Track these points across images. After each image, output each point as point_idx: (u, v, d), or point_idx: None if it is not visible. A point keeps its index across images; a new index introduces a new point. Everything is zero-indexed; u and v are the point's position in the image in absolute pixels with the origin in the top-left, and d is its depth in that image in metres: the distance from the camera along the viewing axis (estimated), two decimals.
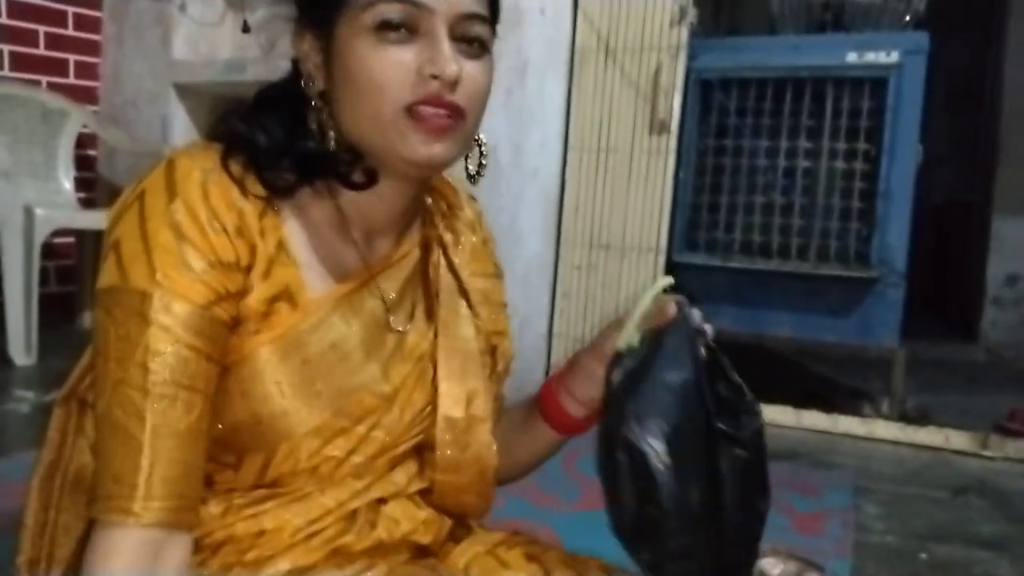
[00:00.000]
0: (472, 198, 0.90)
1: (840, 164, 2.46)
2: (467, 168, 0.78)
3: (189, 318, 0.63)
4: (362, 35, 0.66)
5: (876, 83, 2.41)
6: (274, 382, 0.68)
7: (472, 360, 0.79)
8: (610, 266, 2.59)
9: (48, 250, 2.77)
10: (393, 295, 0.77)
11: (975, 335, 4.20)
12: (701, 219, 2.62)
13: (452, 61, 0.65)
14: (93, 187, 3.29)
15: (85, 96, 3.23)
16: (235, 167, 0.68)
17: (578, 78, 2.63)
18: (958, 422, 2.39)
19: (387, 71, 0.66)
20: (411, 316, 0.79)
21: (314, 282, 0.72)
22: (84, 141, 3.14)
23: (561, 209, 2.68)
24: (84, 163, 3.21)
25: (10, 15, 3.02)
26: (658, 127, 2.50)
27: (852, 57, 2.44)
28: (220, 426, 0.68)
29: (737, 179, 2.57)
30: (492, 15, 0.72)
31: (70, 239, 3.10)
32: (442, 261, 0.81)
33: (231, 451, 0.70)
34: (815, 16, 2.72)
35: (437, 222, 0.82)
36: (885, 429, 2.35)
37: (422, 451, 0.78)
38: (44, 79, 3.12)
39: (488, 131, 2.41)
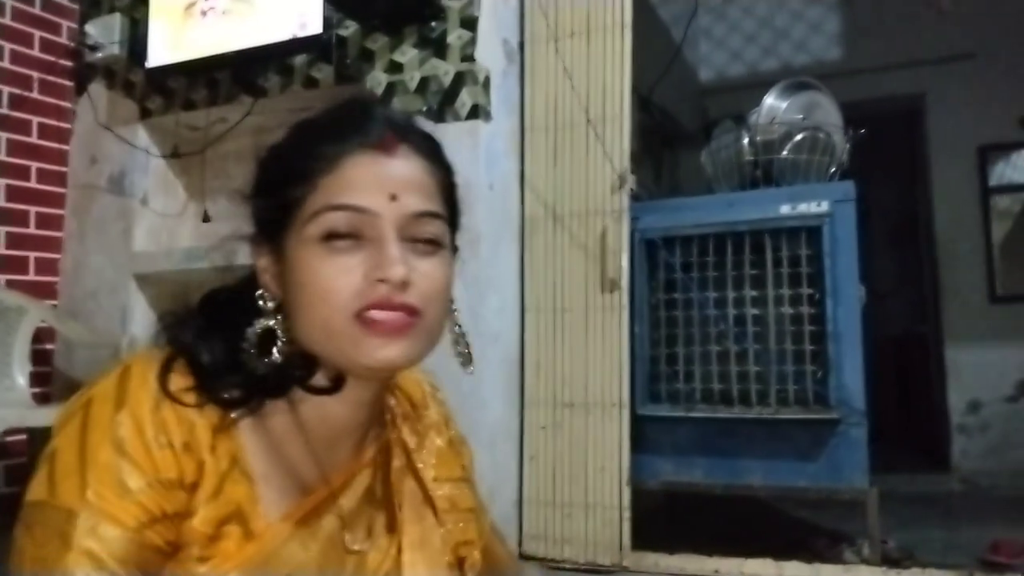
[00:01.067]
0: (436, 389, 0.88)
1: (787, 309, 2.54)
2: (459, 361, 0.77)
3: (116, 543, 0.59)
4: (310, 245, 0.66)
5: (811, 231, 2.54)
6: None
7: (440, 573, 0.76)
8: (576, 424, 2.58)
9: None
10: (351, 508, 0.73)
11: (947, 465, 4.19)
12: (660, 371, 2.66)
13: (399, 263, 0.64)
14: (49, 381, 3.24)
15: (45, 291, 3.26)
16: (184, 378, 0.65)
17: (529, 244, 2.73)
18: (941, 560, 2.34)
19: (335, 279, 0.65)
20: (370, 531, 0.75)
21: (270, 498, 0.68)
22: (41, 336, 3.13)
23: (523, 371, 2.70)
24: (41, 358, 3.18)
25: None
26: (609, 285, 2.58)
27: (785, 209, 2.58)
28: None
29: (691, 330, 2.64)
30: (450, 210, 0.72)
31: (22, 436, 3.02)
32: (405, 467, 0.78)
33: None
34: (747, 173, 2.90)
35: (400, 424, 0.80)
36: (868, 574, 2.28)
37: None
38: (3, 277, 3.15)
39: None
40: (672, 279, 2.68)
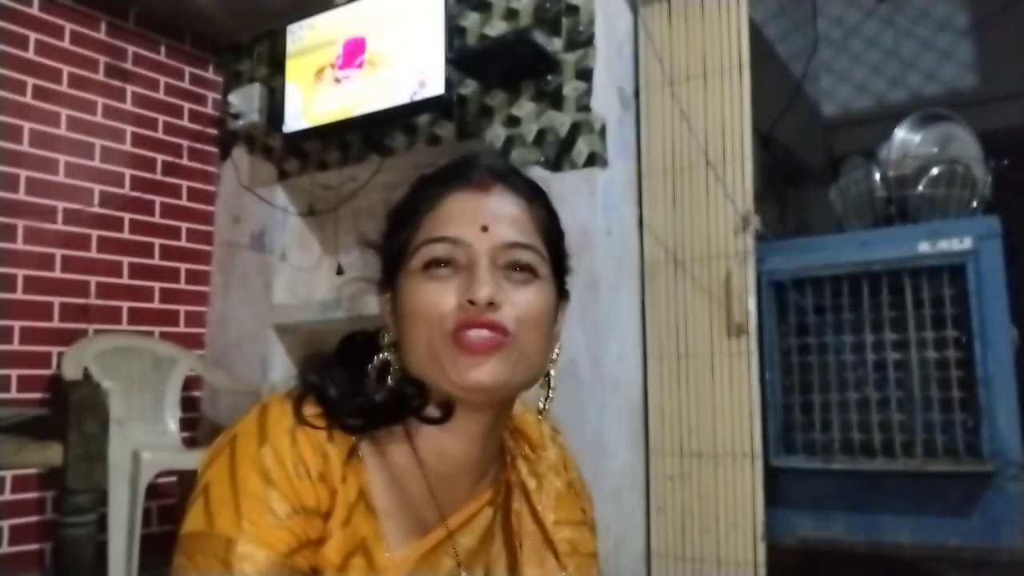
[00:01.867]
0: (556, 432, 0.88)
1: (931, 353, 2.39)
2: (539, 404, 0.79)
3: (271, 567, 0.63)
4: (415, 276, 0.72)
5: (954, 270, 2.40)
6: None
7: None
8: (704, 475, 2.50)
9: (151, 490, 2.88)
10: (470, 548, 0.75)
11: None
12: (795, 420, 2.55)
13: (486, 285, 0.69)
14: (196, 427, 3.46)
15: (193, 342, 3.50)
16: (313, 408, 0.71)
17: (650, 289, 2.70)
18: None
19: (432, 301, 0.70)
20: (489, 571, 0.77)
21: (391, 534, 0.71)
22: (190, 384, 3.36)
23: (647, 419, 2.65)
24: (189, 404, 3.40)
25: (131, 275, 3.38)
26: (735, 330, 2.51)
27: (925, 247, 2.45)
28: None
29: (826, 376, 2.52)
30: (550, 250, 0.76)
31: (172, 479, 3.22)
32: (525, 509, 0.79)
33: None
34: (880, 210, 2.77)
35: (519, 466, 0.81)
36: None
37: None
38: (157, 329, 3.41)
39: (568, 346, 2.45)
40: (804, 323, 2.58)
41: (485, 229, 0.71)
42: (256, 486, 0.65)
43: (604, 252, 2.62)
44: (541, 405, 0.79)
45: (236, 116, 3.60)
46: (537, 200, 0.78)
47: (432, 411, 0.73)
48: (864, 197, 2.83)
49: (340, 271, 3.43)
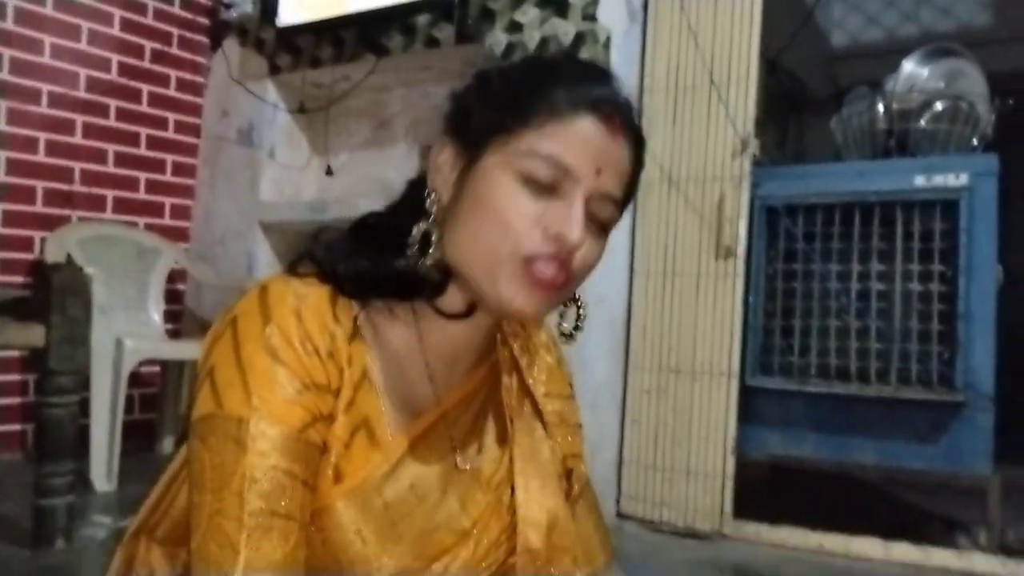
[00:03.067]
0: (548, 338, 0.90)
1: (916, 286, 2.40)
2: (561, 326, 0.79)
3: (286, 442, 0.63)
4: (508, 173, 0.67)
5: (947, 205, 2.38)
6: (354, 530, 0.68)
7: (551, 482, 0.78)
8: (680, 390, 2.53)
9: (134, 378, 2.90)
10: (464, 426, 0.77)
11: None
12: (774, 343, 2.57)
13: (580, 226, 0.67)
14: (180, 319, 3.47)
15: (178, 235, 3.47)
16: (325, 291, 0.69)
17: (643, 207, 2.69)
18: None
19: (518, 215, 0.66)
20: (481, 445, 0.78)
21: (391, 414, 0.72)
22: (174, 277, 3.34)
23: (628, 334, 2.67)
24: (173, 297, 3.40)
25: (116, 164, 3.32)
26: (724, 252, 2.51)
27: (920, 181, 2.43)
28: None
29: (809, 303, 2.53)
30: (625, 198, 0.73)
31: (155, 368, 3.24)
32: (515, 383, 0.81)
33: None
34: (880, 142, 2.74)
35: (511, 343, 0.82)
36: (984, 562, 2.15)
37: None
38: (142, 220, 3.37)
39: None
40: (793, 249, 2.57)
41: (599, 172, 0.68)
42: (264, 364, 0.64)
43: None
44: (566, 328, 0.79)
45: (229, 6, 3.49)
46: (642, 151, 0.75)
47: (454, 304, 0.72)
48: (865, 128, 2.79)
49: (329, 172, 3.38)
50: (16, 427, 3.01)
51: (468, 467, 0.76)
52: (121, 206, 3.33)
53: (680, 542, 2.39)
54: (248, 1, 3.44)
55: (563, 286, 0.69)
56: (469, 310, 0.72)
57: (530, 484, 0.77)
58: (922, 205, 2.42)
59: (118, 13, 3.33)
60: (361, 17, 3.03)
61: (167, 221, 3.47)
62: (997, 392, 2.26)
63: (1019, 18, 4.13)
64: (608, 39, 2.60)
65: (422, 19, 2.98)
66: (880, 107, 2.75)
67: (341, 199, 3.21)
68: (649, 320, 2.62)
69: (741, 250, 2.50)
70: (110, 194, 3.30)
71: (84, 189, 3.22)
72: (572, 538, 0.78)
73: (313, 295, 0.68)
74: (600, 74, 0.72)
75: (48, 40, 3.11)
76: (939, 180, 2.42)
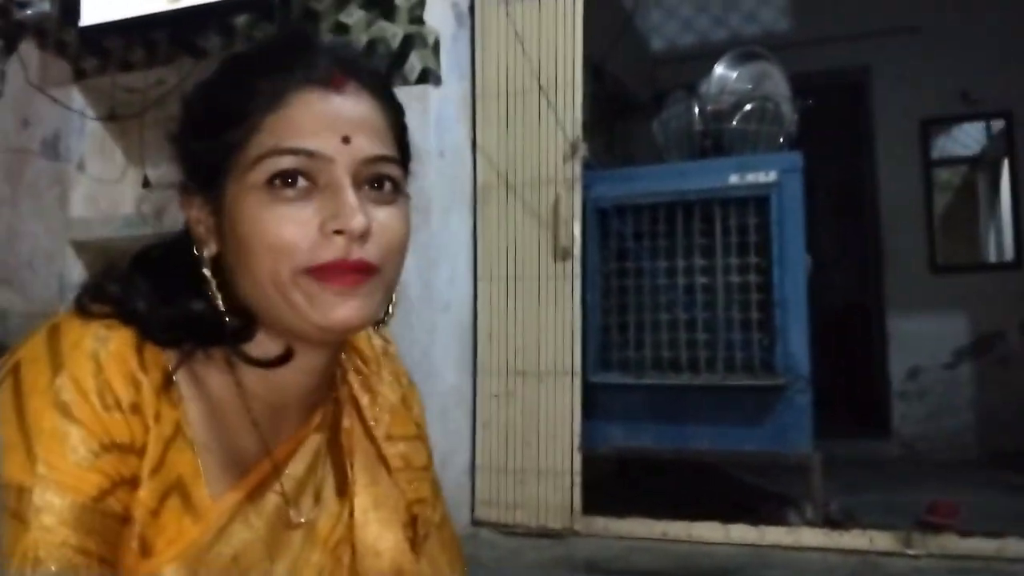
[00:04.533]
0: (388, 343, 0.82)
1: (735, 278, 2.57)
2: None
3: (78, 514, 0.54)
4: (253, 193, 0.59)
5: (759, 201, 2.57)
6: None
7: (389, 542, 0.72)
8: (528, 392, 2.58)
9: None
10: (298, 477, 0.69)
11: (888, 431, 4.33)
12: (612, 339, 2.68)
13: (359, 212, 0.58)
14: None
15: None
16: (129, 334, 0.59)
17: (481, 212, 2.71)
18: (882, 522, 2.41)
19: (285, 229, 0.58)
20: (319, 497, 0.70)
21: (212, 472, 0.63)
22: None
23: (475, 339, 2.69)
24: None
25: None
26: (561, 254, 2.58)
27: (734, 178, 2.61)
28: None
29: (641, 299, 2.66)
30: (402, 154, 0.65)
31: None
32: (356, 425, 0.73)
33: None
34: (697, 143, 2.91)
35: (351, 380, 0.75)
36: (811, 536, 2.35)
37: None
38: None
39: None
40: (624, 248, 2.69)
41: (347, 140, 0.60)
42: (53, 423, 0.55)
43: (436, 174, 2.58)
44: (382, 317, 0.67)
45: (22, 5, 3.17)
46: (390, 97, 0.66)
47: (270, 350, 0.64)
48: (684, 130, 2.96)
49: (147, 183, 3.15)
50: None
51: (303, 520, 0.68)
52: None
53: (534, 543, 2.43)
54: (45, 0, 3.14)
55: (375, 276, 0.60)
56: (286, 355, 0.64)
57: (375, 537, 0.71)
58: (737, 201, 2.60)
59: None
60: (173, 16, 2.85)
61: None
62: (813, 373, 2.46)
63: (814, 22, 4.52)
64: (437, 42, 2.59)
65: (241, 19, 2.85)
66: (696, 109, 2.92)
67: (162, 212, 3.01)
68: (495, 325, 2.65)
69: (577, 251, 2.58)
70: None
71: None
72: None
73: (116, 339, 0.59)
74: (300, 39, 0.65)
75: None
76: (751, 177, 2.60)
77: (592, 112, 2.72)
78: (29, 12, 3.16)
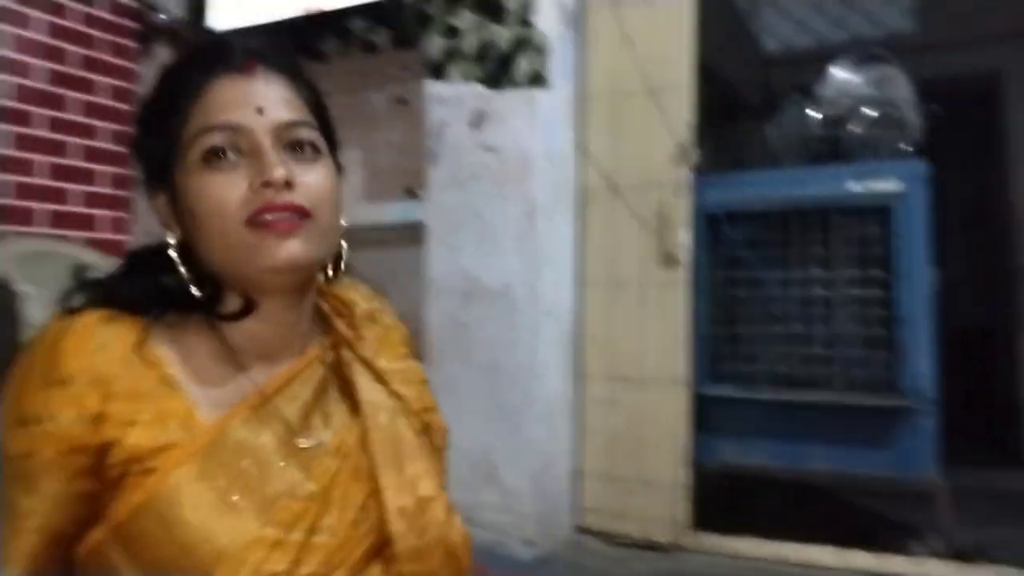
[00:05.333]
0: (371, 292, 0.91)
1: (855, 291, 2.45)
2: (324, 271, 0.80)
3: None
4: (194, 171, 0.70)
5: (881, 211, 2.44)
6: (192, 507, 0.66)
7: (406, 444, 0.78)
8: (634, 400, 2.54)
9: None
10: (304, 401, 0.76)
11: (1021, 461, 4.04)
12: (723, 351, 2.60)
13: (278, 165, 0.69)
14: None
15: (116, 249, 3.30)
16: (97, 314, 0.70)
17: (587, 216, 2.68)
18: (1013, 558, 2.24)
19: (222, 193, 0.69)
20: (327, 421, 0.77)
21: (206, 406, 0.71)
22: None
23: (580, 345, 2.66)
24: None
25: (48, 176, 3.17)
26: (669, 260, 2.52)
27: (854, 186, 2.49)
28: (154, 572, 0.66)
29: (754, 309, 2.57)
30: (321, 123, 0.77)
31: None
32: (353, 357, 0.81)
33: None
34: (813, 148, 2.79)
35: (337, 324, 0.83)
36: (937, 568, 2.21)
37: (383, 550, 0.74)
38: (78, 234, 3.23)
39: (501, 272, 2.44)
40: (735, 256, 2.60)
41: (260, 111, 0.71)
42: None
43: (542, 177, 2.57)
44: (329, 275, 0.81)
45: (155, 8, 3.37)
46: (301, 77, 0.78)
47: (231, 304, 0.74)
48: (799, 134, 2.85)
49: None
50: None
51: (311, 444, 0.75)
52: (59, 220, 3.18)
53: (639, 554, 2.39)
54: (178, 5, 3.32)
55: (304, 216, 0.70)
56: (247, 306, 0.73)
57: (384, 450, 0.77)
58: (857, 210, 2.48)
59: (44, 18, 3.18)
60: (296, 22, 2.95)
61: (104, 234, 3.33)
62: (938, 396, 2.31)
63: (941, 24, 4.27)
64: (546, 46, 2.58)
65: (358, 24, 2.92)
66: (813, 113, 2.81)
67: None
68: (600, 330, 2.62)
69: (685, 258, 2.52)
70: (42, 207, 3.15)
71: (16, 202, 3.06)
72: (438, 486, 0.79)
73: (79, 319, 0.70)
74: (221, 41, 0.77)
75: None
76: (872, 185, 2.47)
77: (702, 115, 2.64)
78: (163, 17, 3.35)
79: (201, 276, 0.73)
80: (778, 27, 4.74)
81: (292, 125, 0.72)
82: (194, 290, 0.72)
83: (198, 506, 0.66)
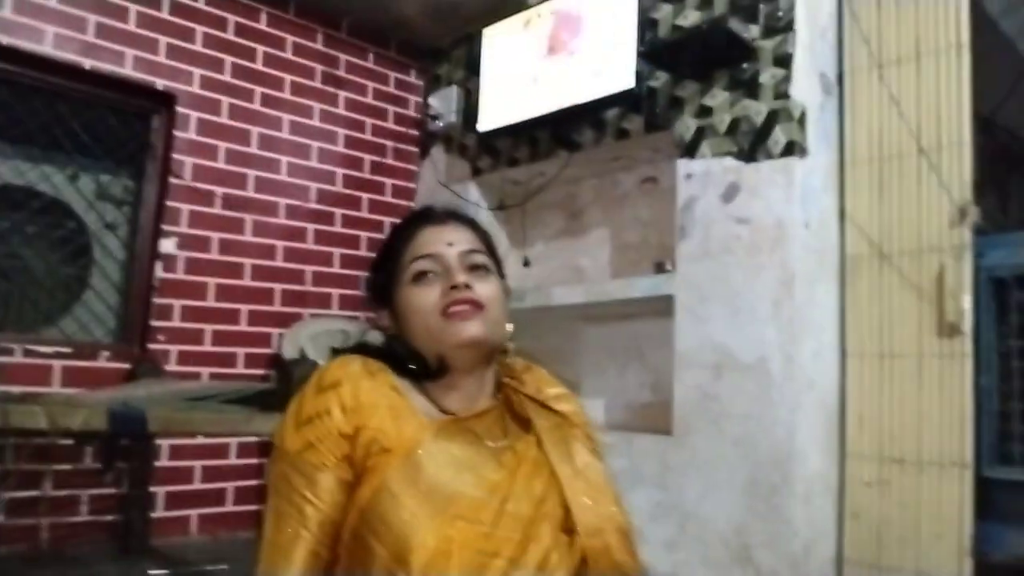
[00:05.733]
0: (528, 363, 1.14)
1: None
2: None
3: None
4: (408, 287, 1.02)
5: None
6: (435, 466, 0.90)
7: (573, 444, 1.02)
8: (906, 482, 2.33)
9: None
10: (487, 428, 1.00)
11: None
12: (1013, 429, 2.30)
13: (460, 272, 1.00)
14: None
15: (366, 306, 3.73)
16: (365, 362, 0.99)
17: (851, 285, 2.56)
18: None
19: (426, 297, 1.00)
20: (506, 436, 1.01)
21: (423, 416, 0.97)
22: None
23: (843, 421, 2.51)
24: None
25: (341, 265, 3.68)
26: (948, 330, 2.32)
27: None
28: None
29: None
30: (488, 250, 1.07)
31: None
32: (524, 399, 1.05)
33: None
34: None
35: (506, 382, 1.08)
36: None
37: (569, 526, 0.93)
38: (363, 315, 3.69)
39: (758, 342, 2.42)
40: None
41: (451, 244, 1.03)
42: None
43: (801, 245, 2.51)
44: (501, 343, 1.05)
45: (435, 117, 3.82)
46: (478, 226, 1.10)
47: (431, 369, 1.01)
48: None
49: (527, 263, 3.53)
50: (253, 507, 3.32)
51: (497, 445, 0.98)
52: (345, 303, 3.66)
53: None
54: (453, 112, 3.74)
55: (479, 308, 0.98)
56: (440, 368, 1.00)
57: (557, 450, 1.00)
58: None
59: (342, 132, 3.75)
60: (554, 116, 3.19)
61: None
62: None
63: None
64: (803, 115, 2.56)
65: (611, 113, 3.09)
66: None
67: (538, 288, 3.34)
68: (866, 406, 2.46)
69: (968, 326, 2.30)
70: (336, 292, 3.65)
71: (314, 289, 3.59)
72: (604, 476, 1.01)
73: (357, 361, 0.99)
74: (426, 207, 1.10)
75: (284, 160, 3.56)
76: None
77: (982, 169, 2.43)
78: (440, 123, 3.79)
79: (411, 354, 1.02)
80: None
81: (471, 252, 1.03)
82: (409, 360, 1.02)
83: (440, 463, 0.91)
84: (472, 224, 1.10)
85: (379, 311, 1.07)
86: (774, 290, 2.49)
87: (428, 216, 1.08)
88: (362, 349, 1.04)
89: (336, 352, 1.05)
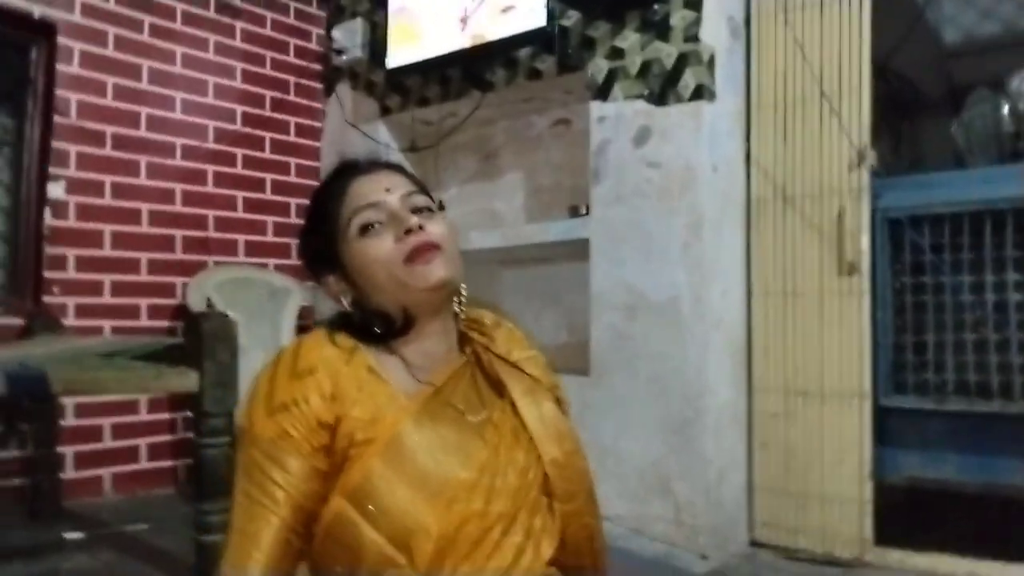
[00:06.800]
0: (492, 311, 1.13)
1: None
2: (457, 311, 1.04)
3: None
4: (356, 241, 0.96)
5: None
6: (422, 449, 0.90)
7: (546, 410, 1.02)
8: (810, 413, 2.48)
9: None
10: (464, 395, 0.99)
11: None
12: (907, 360, 2.48)
13: (412, 217, 0.96)
14: None
15: (304, 274, 3.65)
16: (326, 331, 0.97)
17: (757, 227, 2.66)
18: None
19: (381, 249, 0.95)
20: (483, 404, 1.00)
21: (402, 393, 0.95)
22: (304, 314, 3.52)
23: (750, 357, 2.64)
24: (303, 333, 3.57)
25: (246, 209, 3.53)
26: (847, 268, 2.45)
27: None
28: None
29: (942, 317, 2.44)
30: (424, 191, 1.03)
31: None
32: (492, 358, 1.04)
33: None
34: (1006, 146, 2.62)
35: (474, 337, 1.06)
36: None
37: (551, 496, 0.97)
38: (271, 261, 3.57)
39: (668, 284, 2.49)
40: (920, 261, 2.48)
41: (388, 191, 0.98)
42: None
43: (709, 188, 2.57)
44: (456, 310, 1.03)
45: (339, 51, 3.66)
46: (404, 169, 1.06)
47: (397, 322, 0.98)
48: (990, 131, 2.68)
49: (442, 207, 3.48)
50: (168, 463, 3.23)
51: (479, 419, 0.98)
52: (252, 249, 3.54)
53: (819, 570, 2.33)
54: (358, 46, 3.60)
55: (437, 248, 0.94)
56: (407, 322, 0.98)
57: (532, 418, 0.99)
58: None
59: (239, 66, 3.56)
60: (465, 54, 3.13)
61: (295, 261, 3.67)
62: None
63: None
64: (712, 59, 2.60)
65: (524, 52, 3.05)
66: (1005, 108, 2.64)
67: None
68: (771, 342, 2.59)
69: (865, 265, 2.44)
70: (241, 238, 3.51)
71: (218, 235, 3.44)
72: (577, 442, 1.02)
73: (316, 333, 0.99)
74: (350, 160, 1.05)
75: (178, 96, 3.35)
76: None
77: (877, 115, 2.55)
78: (345, 58, 3.64)
79: (374, 315, 0.98)
80: (960, 16, 4.44)
81: (410, 194, 0.99)
82: (375, 326, 0.98)
83: (426, 448, 0.90)
84: (400, 169, 1.07)
85: (324, 277, 1.02)
86: (684, 233, 2.56)
87: (354, 167, 1.03)
88: (329, 323, 1.00)
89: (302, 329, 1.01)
